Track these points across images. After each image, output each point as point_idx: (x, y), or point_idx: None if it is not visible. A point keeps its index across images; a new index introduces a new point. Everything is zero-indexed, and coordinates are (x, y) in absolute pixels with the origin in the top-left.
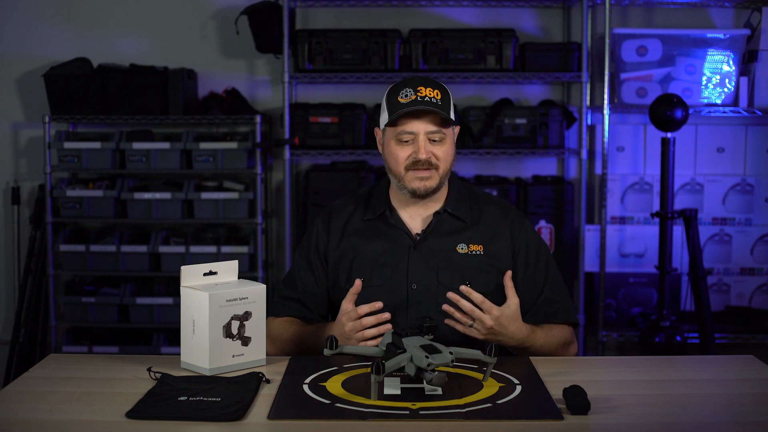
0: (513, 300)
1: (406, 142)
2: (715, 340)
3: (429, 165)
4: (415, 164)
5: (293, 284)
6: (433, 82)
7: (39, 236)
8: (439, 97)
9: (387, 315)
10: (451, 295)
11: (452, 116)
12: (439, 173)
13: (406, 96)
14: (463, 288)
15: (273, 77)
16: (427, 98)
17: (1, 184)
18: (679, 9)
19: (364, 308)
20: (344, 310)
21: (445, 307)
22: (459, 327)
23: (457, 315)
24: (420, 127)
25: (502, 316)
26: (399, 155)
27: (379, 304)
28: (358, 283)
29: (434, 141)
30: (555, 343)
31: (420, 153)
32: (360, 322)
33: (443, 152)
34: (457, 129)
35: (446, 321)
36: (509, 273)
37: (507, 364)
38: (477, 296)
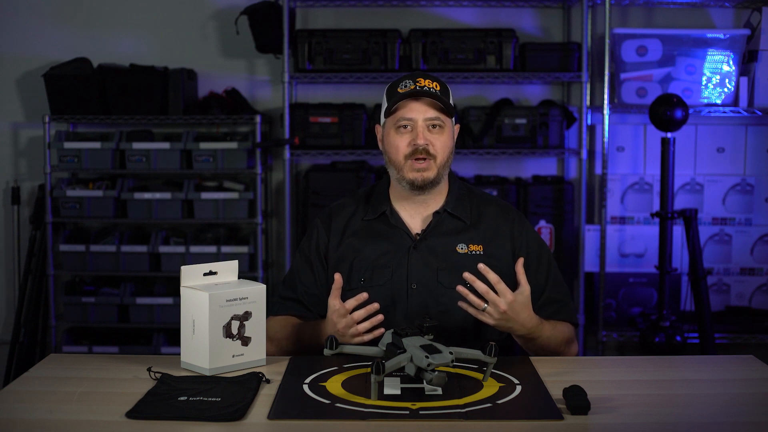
0: (525, 287)
1: (405, 127)
2: (715, 340)
3: (427, 154)
4: (413, 153)
5: (293, 284)
6: (434, 77)
7: (39, 236)
8: (438, 88)
9: (376, 305)
10: (467, 275)
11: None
12: (436, 164)
13: (406, 87)
14: (480, 266)
15: (273, 77)
16: (426, 88)
17: (1, 184)
18: (679, 9)
19: (351, 302)
20: (332, 308)
21: (460, 288)
22: (471, 310)
23: (471, 297)
24: (419, 113)
25: (515, 301)
26: (398, 144)
27: (364, 295)
28: (338, 277)
29: (433, 129)
30: (560, 338)
31: (418, 139)
32: (351, 317)
33: (441, 142)
34: (457, 128)
35: (459, 303)
36: (521, 260)
37: (507, 364)
38: (493, 276)
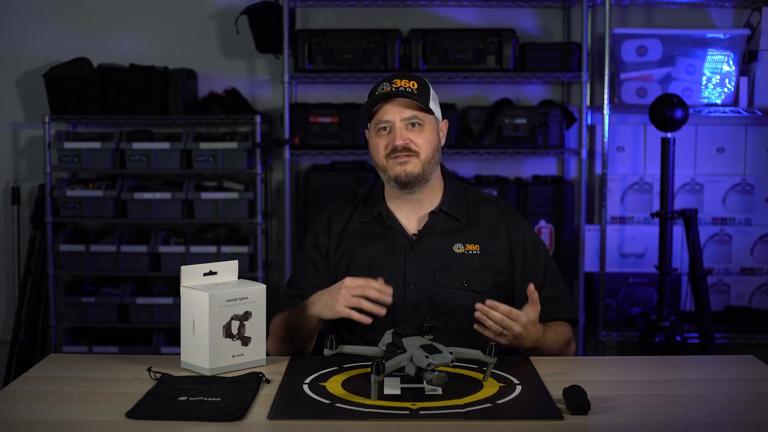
0: (537, 306)
1: (384, 129)
2: (715, 340)
3: (408, 151)
4: (393, 152)
5: (298, 284)
6: (412, 76)
7: (39, 236)
8: (415, 87)
9: (389, 293)
10: (479, 306)
11: (432, 106)
12: (420, 160)
13: (383, 89)
14: (489, 302)
15: (273, 77)
16: (401, 88)
17: (1, 184)
18: (679, 9)
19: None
20: (347, 279)
21: (478, 315)
22: (488, 333)
23: (488, 323)
24: (395, 115)
25: (528, 322)
26: (379, 145)
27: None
28: (381, 280)
29: (412, 128)
30: (561, 341)
31: (396, 139)
32: (362, 287)
33: (423, 138)
34: (444, 124)
35: (475, 327)
36: (532, 285)
37: (507, 364)
38: (504, 308)
